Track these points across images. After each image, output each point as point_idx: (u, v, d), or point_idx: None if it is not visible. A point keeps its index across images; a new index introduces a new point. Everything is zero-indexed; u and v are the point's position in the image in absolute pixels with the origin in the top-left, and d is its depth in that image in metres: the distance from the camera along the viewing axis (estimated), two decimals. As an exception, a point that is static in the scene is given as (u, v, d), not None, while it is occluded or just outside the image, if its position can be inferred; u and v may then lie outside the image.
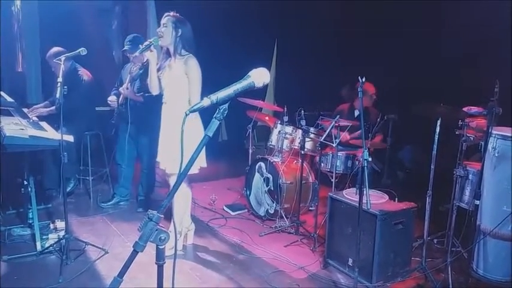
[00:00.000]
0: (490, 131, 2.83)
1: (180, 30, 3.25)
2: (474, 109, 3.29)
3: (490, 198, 2.95)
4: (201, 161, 3.40)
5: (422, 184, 3.39)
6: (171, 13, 3.29)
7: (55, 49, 4.36)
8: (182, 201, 3.52)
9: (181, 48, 3.29)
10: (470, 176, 3.26)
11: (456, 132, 3.46)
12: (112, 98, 4.27)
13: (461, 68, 4.48)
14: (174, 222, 3.46)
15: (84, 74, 4.63)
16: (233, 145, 7.02)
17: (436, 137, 3.10)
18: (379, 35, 5.33)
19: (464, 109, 3.35)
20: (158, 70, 3.38)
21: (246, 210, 4.67)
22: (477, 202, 2.86)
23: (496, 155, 2.91)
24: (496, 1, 4.11)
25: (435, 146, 3.12)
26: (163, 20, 3.28)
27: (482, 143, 2.94)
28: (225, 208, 4.70)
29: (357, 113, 4.89)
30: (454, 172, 3.32)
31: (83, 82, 4.58)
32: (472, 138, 3.33)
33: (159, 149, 3.49)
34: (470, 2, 4.25)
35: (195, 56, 3.31)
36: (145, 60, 4.28)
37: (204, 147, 3.29)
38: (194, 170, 3.31)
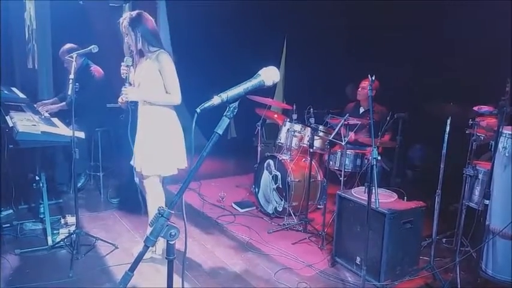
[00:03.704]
0: (500, 130, 2.80)
1: (138, 30, 3.05)
2: (485, 108, 3.26)
3: (500, 198, 2.93)
4: (180, 162, 3.23)
5: (431, 183, 3.37)
6: (123, 16, 3.10)
7: (68, 45, 4.40)
8: (154, 202, 3.33)
9: (148, 45, 3.12)
10: (480, 176, 3.24)
11: (466, 132, 3.44)
12: (122, 99, 4.29)
13: (472, 67, 4.44)
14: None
15: (96, 71, 4.68)
16: (242, 142, 7.04)
17: (446, 136, 3.08)
18: (389, 33, 5.30)
19: (475, 108, 3.33)
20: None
21: (255, 207, 4.68)
22: (487, 202, 2.84)
23: (507, 154, 2.89)
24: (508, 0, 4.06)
25: (445, 145, 3.10)
26: (123, 29, 3.10)
27: (493, 143, 2.92)
28: (233, 205, 4.72)
29: (361, 110, 4.88)
30: (464, 171, 3.31)
31: (95, 79, 4.63)
32: (482, 138, 3.31)
33: (134, 151, 3.26)
34: (482, 2, 4.20)
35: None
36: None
37: (184, 148, 3.22)
38: (173, 170, 3.20)
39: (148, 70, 3.14)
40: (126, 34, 3.10)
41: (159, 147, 3.14)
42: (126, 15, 3.09)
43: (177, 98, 3.12)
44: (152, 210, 3.35)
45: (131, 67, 3.16)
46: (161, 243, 3.39)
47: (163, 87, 3.14)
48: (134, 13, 3.10)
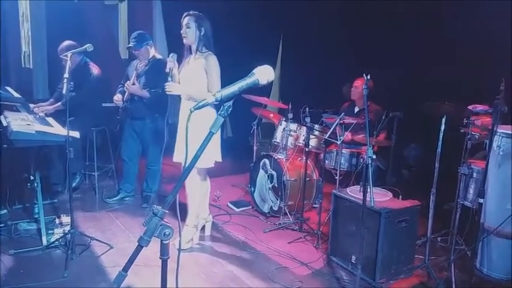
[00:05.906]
0: (495, 129, 2.82)
1: (203, 29, 3.34)
2: (479, 107, 3.28)
3: (494, 196, 2.95)
4: (216, 156, 3.51)
5: (426, 182, 3.38)
6: (191, 12, 3.35)
7: (66, 43, 4.37)
8: (197, 194, 3.61)
9: (202, 46, 3.38)
10: (474, 175, 3.26)
11: (461, 130, 3.45)
12: (117, 98, 4.28)
13: (466, 66, 4.45)
14: (188, 215, 3.49)
15: (94, 68, 4.65)
16: (238, 142, 7.03)
17: (441, 135, 3.09)
18: (385, 33, 5.31)
19: (470, 107, 3.34)
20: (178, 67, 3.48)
21: (250, 206, 4.68)
22: (481, 200, 2.86)
23: (501, 153, 2.90)
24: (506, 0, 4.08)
25: (440, 144, 3.11)
26: (185, 21, 3.33)
27: (487, 141, 2.93)
28: (229, 204, 4.72)
29: (356, 109, 4.90)
30: (459, 170, 3.32)
31: (93, 77, 4.59)
32: (477, 137, 3.33)
33: (176, 146, 3.53)
34: (481, 2, 4.22)
35: (215, 54, 3.41)
36: (151, 56, 4.29)
37: (220, 142, 3.52)
38: (209, 163, 3.43)
39: (195, 68, 3.38)
40: (188, 26, 3.31)
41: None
42: (193, 12, 3.36)
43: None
44: (193, 202, 3.63)
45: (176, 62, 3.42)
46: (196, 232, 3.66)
47: (206, 86, 3.37)
48: (201, 14, 3.38)
